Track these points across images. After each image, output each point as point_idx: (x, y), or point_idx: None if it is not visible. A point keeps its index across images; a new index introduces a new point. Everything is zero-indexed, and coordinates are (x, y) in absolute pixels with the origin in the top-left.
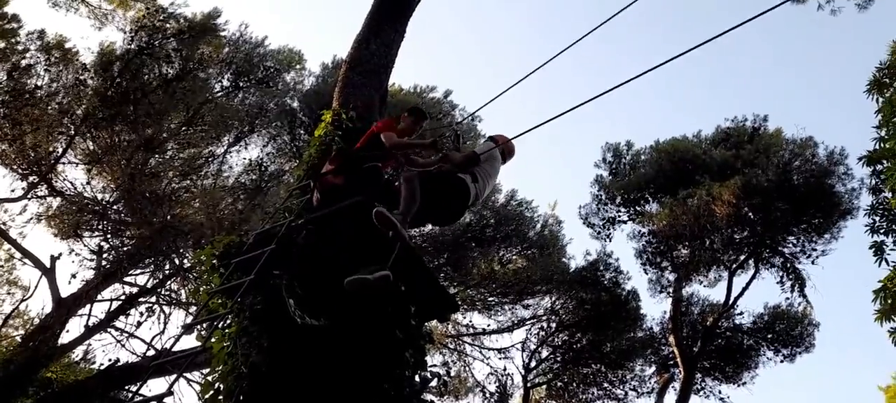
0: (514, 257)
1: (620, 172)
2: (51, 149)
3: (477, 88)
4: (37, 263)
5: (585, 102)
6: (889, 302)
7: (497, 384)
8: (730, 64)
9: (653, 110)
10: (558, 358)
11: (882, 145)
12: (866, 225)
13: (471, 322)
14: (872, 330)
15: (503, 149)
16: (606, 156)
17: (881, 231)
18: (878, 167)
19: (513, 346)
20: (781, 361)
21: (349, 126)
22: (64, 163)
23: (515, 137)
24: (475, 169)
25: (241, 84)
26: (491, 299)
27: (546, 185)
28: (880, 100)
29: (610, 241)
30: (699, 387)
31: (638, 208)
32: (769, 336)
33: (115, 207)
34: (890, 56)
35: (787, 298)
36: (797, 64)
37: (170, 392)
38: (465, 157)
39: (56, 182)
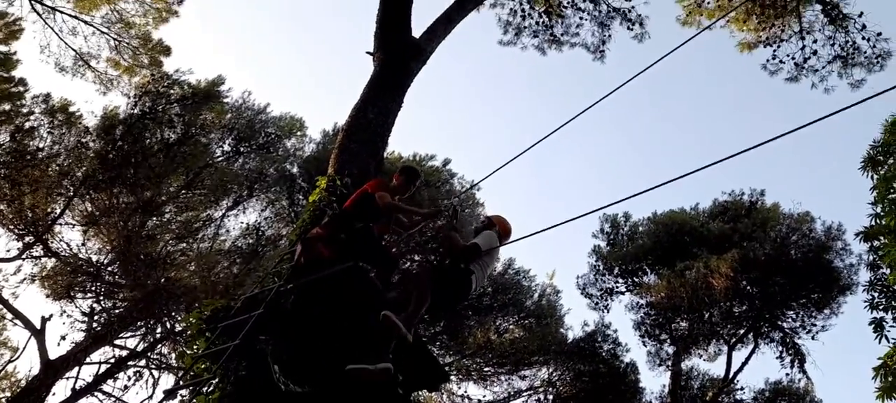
0: (511, 326)
1: (618, 243)
2: (49, 209)
3: (477, 156)
4: (27, 324)
5: (585, 214)
6: (889, 379)
7: None
8: (727, 138)
9: (651, 182)
10: None
11: (878, 222)
12: (865, 302)
13: (466, 392)
14: None
15: (501, 232)
16: (604, 226)
17: (880, 307)
18: (876, 243)
19: None
20: None
21: (344, 192)
22: (61, 224)
23: (521, 239)
24: (476, 262)
25: (241, 149)
26: (487, 369)
27: (544, 255)
28: (875, 177)
29: (608, 312)
30: None
31: (635, 279)
32: None
33: (109, 269)
34: (883, 134)
35: (788, 374)
36: (795, 139)
37: None
38: (467, 249)
39: (52, 243)
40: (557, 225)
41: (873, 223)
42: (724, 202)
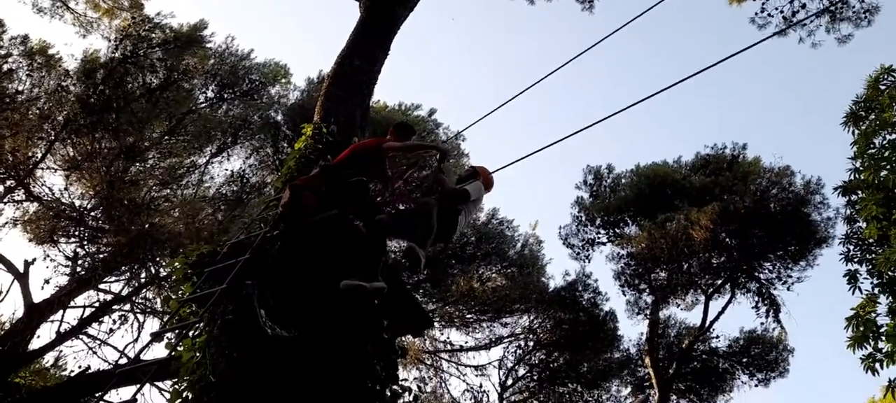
0: (493, 275)
1: (601, 195)
2: (30, 153)
3: (463, 106)
4: (10, 267)
5: (568, 136)
6: (861, 329)
7: (473, 401)
8: (712, 91)
9: (635, 134)
10: (535, 377)
11: (857, 176)
12: (841, 254)
13: (448, 338)
14: (845, 357)
15: (484, 182)
16: (588, 178)
17: (855, 260)
18: (853, 197)
19: (490, 364)
20: (756, 385)
21: (329, 140)
22: (42, 169)
23: (501, 168)
24: (463, 205)
25: (225, 96)
26: (469, 316)
27: (527, 205)
28: (856, 132)
29: (589, 262)
30: None
31: (617, 230)
32: (744, 360)
33: (92, 214)
34: (866, 90)
35: (763, 323)
36: (778, 94)
37: (134, 399)
38: (457, 192)
39: (34, 187)
40: (539, 150)
41: (852, 177)
42: (707, 155)
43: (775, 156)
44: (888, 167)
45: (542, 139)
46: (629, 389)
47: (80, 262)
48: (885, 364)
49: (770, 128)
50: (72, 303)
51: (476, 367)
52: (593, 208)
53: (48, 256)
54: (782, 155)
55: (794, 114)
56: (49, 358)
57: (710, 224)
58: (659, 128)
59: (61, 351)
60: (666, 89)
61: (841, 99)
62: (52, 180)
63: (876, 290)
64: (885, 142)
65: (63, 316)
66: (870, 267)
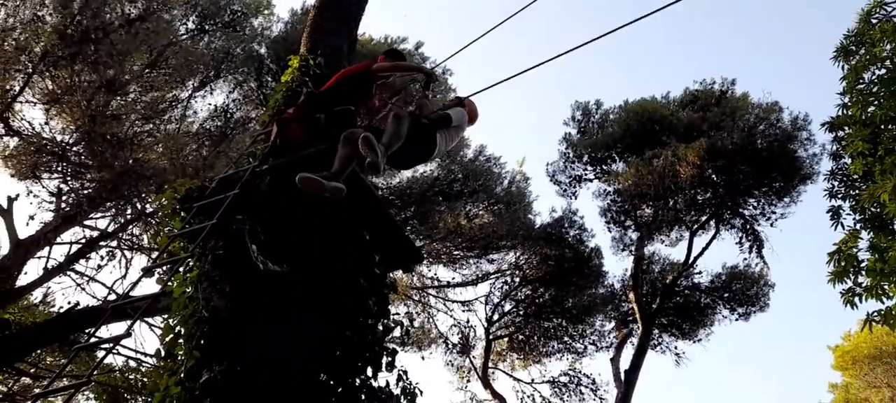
0: (480, 212)
1: (588, 131)
2: (7, 87)
3: (449, 40)
4: None
5: (555, 57)
6: (842, 264)
7: (460, 335)
8: (702, 25)
9: (624, 70)
10: (521, 312)
11: (845, 112)
12: (825, 190)
13: (436, 275)
14: (826, 291)
15: (469, 113)
16: (575, 114)
17: (839, 196)
18: (840, 133)
19: (476, 299)
20: (737, 319)
21: (317, 72)
22: (21, 102)
23: (484, 89)
24: (443, 129)
25: (206, 27)
26: (456, 253)
27: (515, 142)
28: (845, 67)
29: (575, 199)
30: (656, 343)
31: (604, 167)
32: (726, 295)
33: (74, 149)
34: (858, 24)
35: (745, 259)
36: (770, 28)
37: (128, 334)
38: (439, 116)
39: (13, 121)
40: (522, 72)
41: (840, 113)
42: (695, 91)
43: (764, 91)
44: (876, 103)
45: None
46: (613, 323)
47: (64, 198)
48: (864, 298)
49: (760, 62)
50: (58, 240)
51: (463, 303)
52: (581, 144)
53: (31, 192)
54: (771, 91)
55: (785, 48)
56: (37, 295)
57: (697, 160)
58: (648, 64)
59: (49, 288)
60: (653, 13)
61: (834, 33)
62: (32, 114)
63: (858, 226)
64: (874, 78)
65: (49, 252)
66: (853, 202)
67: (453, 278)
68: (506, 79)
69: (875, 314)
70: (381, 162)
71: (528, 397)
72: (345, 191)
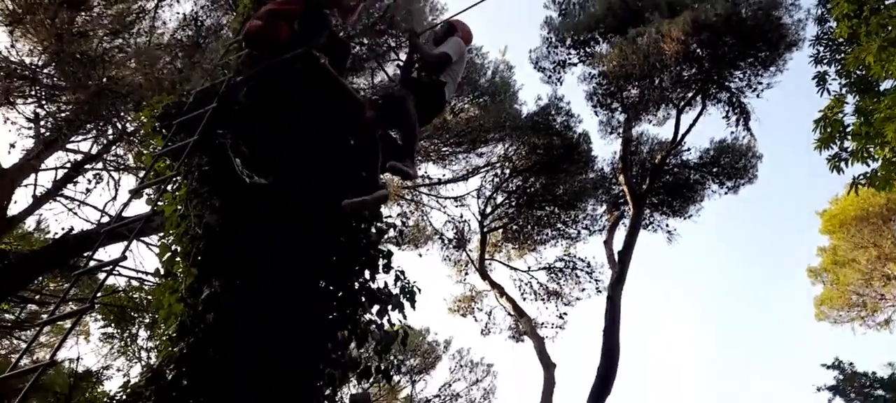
0: (466, 106)
1: (570, 13)
2: None
3: None
4: None
5: None
6: (828, 130)
7: (454, 230)
8: None
9: None
10: (513, 203)
11: None
12: (810, 57)
13: (426, 173)
14: (813, 159)
15: (463, 37)
16: None
17: (825, 61)
18: None
19: (468, 194)
20: (726, 193)
21: None
22: None
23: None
24: (447, 71)
25: None
26: (445, 149)
27: (496, 31)
28: None
29: (561, 85)
30: (648, 222)
31: (588, 49)
32: (714, 169)
33: (45, 71)
34: None
35: (733, 132)
36: None
37: (124, 257)
38: (438, 59)
39: None
40: None
41: None
42: None
43: None
44: None
45: None
46: (604, 207)
47: (42, 123)
48: (850, 162)
49: None
50: (43, 166)
51: (455, 198)
52: (563, 27)
53: (8, 119)
54: None
55: None
56: (30, 223)
57: (682, 35)
58: None
59: (41, 215)
60: None
61: None
62: None
63: (844, 90)
64: None
65: (36, 179)
66: (839, 67)
67: (444, 175)
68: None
69: (861, 177)
70: (416, 170)
71: (526, 284)
72: (389, 194)
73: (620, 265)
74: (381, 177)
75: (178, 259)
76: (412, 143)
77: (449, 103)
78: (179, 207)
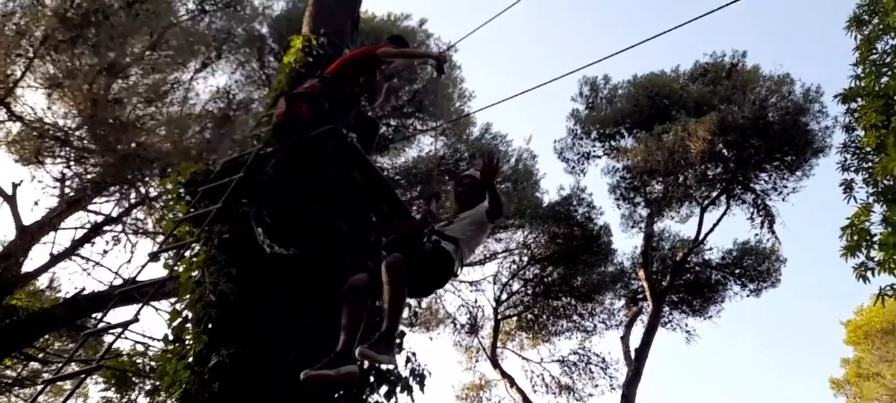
0: None
1: (597, 107)
2: (8, 71)
3: (453, 16)
4: None
5: (566, 74)
6: (855, 238)
7: (468, 315)
8: None
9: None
10: (529, 291)
11: (858, 83)
12: (838, 163)
13: None
14: (838, 266)
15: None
16: (583, 89)
17: (852, 169)
18: (853, 105)
19: (484, 279)
20: (748, 295)
21: (320, 52)
22: (23, 87)
23: (500, 102)
24: (459, 237)
25: (207, 7)
26: None
27: (521, 120)
28: (858, 37)
29: (584, 176)
30: (666, 320)
31: (613, 143)
32: (737, 271)
33: (77, 133)
34: None
35: (757, 234)
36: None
37: (136, 319)
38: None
39: (15, 106)
40: (533, 88)
41: (853, 84)
42: (705, 64)
43: (776, 64)
44: (890, 73)
45: (538, 50)
46: (623, 301)
47: (68, 183)
48: (877, 272)
49: (771, 35)
50: (63, 225)
51: (471, 283)
52: (589, 120)
53: (35, 178)
54: (783, 63)
55: (796, 19)
56: (43, 280)
57: (708, 135)
58: (657, 38)
59: (55, 273)
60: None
61: (847, 2)
62: (33, 99)
63: (871, 199)
64: (887, 48)
65: (55, 237)
66: (866, 175)
67: None
68: (520, 93)
69: (888, 288)
70: (393, 356)
71: (538, 376)
72: (357, 374)
73: (637, 362)
74: (356, 351)
75: (188, 325)
76: (394, 322)
77: (456, 275)
78: (195, 273)
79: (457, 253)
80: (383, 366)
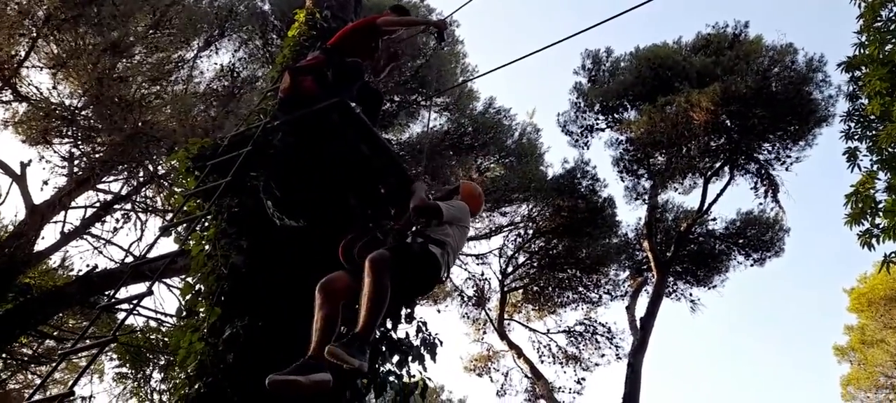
0: (491, 165)
1: (599, 80)
2: (13, 52)
3: None
4: (7, 170)
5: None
6: (860, 205)
7: (475, 288)
8: None
9: (634, 16)
10: (535, 264)
11: (862, 51)
12: (841, 132)
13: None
14: (842, 234)
15: (466, 198)
16: (586, 62)
17: (855, 137)
18: (857, 73)
19: (490, 252)
20: (751, 265)
21: (324, 26)
22: (28, 67)
23: (501, 67)
24: (446, 241)
25: None
26: None
27: (525, 94)
28: (862, 4)
29: (587, 149)
30: (671, 290)
31: (616, 116)
32: (740, 241)
33: (83, 113)
34: None
35: (761, 204)
36: None
37: (149, 293)
38: (426, 207)
39: (21, 87)
40: (533, 53)
41: (857, 52)
42: (708, 35)
43: (778, 33)
44: (894, 41)
45: (539, 20)
46: (628, 272)
47: (76, 162)
48: (881, 239)
49: (774, 3)
50: (73, 204)
51: (477, 256)
52: (592, 93)
53: (43, 157)
54: (785, 32)
55: None
56: (55, 259)
57: (711, 105)
58: (660, 9)
59: (67, 252)
60: None
61: None
62: (39, 79)
63: (875, 167)
64: (892, 15)
65: (65, 216)
66: (870, 143)
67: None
68: (516, 60)
69: (892, 255)
70: (363, 360)
71: (545, 346)
72: (331, 382)
73: (642, 332)
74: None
75: (201, 298)
76: (371, 323)
77: (443, 280)
78: (206, 247)
79: (444, 258)
80: (348, 368)
